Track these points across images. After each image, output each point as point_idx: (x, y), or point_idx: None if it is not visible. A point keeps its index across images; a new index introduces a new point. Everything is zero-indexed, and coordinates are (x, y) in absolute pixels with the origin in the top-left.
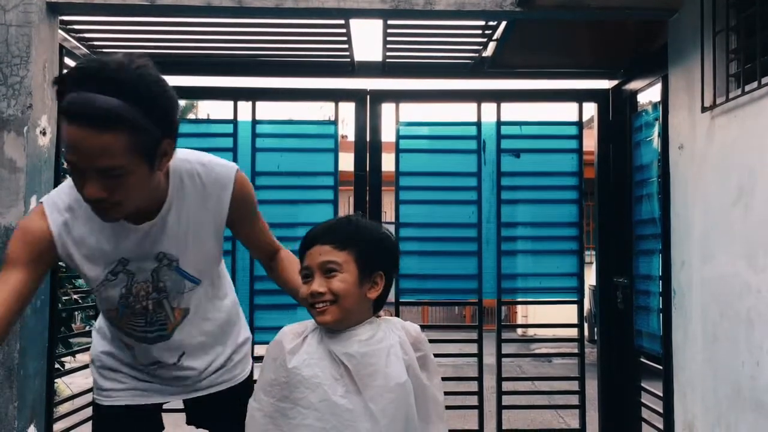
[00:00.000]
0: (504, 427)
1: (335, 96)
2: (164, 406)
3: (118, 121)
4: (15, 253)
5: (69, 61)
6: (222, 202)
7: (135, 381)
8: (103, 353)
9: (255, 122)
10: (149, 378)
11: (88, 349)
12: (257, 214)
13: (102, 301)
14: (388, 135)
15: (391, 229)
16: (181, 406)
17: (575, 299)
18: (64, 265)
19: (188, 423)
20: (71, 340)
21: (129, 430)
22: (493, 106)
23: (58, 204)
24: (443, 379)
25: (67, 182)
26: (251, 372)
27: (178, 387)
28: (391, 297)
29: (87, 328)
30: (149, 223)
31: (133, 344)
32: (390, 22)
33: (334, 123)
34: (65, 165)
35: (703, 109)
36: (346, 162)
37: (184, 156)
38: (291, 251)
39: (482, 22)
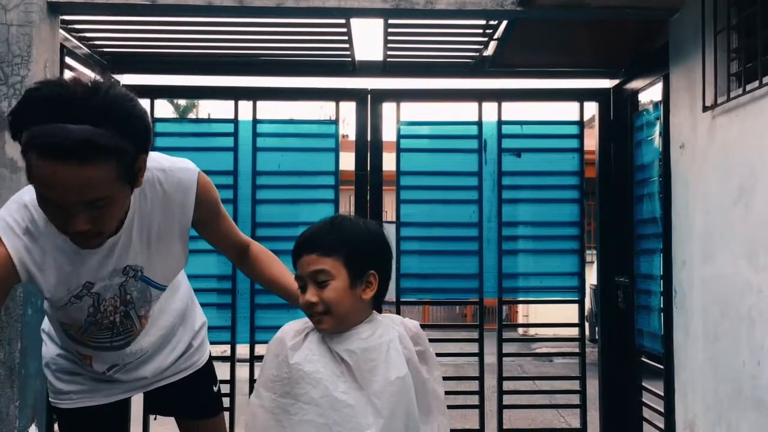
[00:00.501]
0: (505, 427)
1: (336, 95)
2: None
3: (99, 151)
4: None
5: (70, 61)
6: (185, 207)
7: (95, 382)
8: (59, 356)
9: (256, 122)
10: (106, 378)
11: None
12: (222, 214)
13: (62, 317)
14: (388, 134)
15: (392, 228)
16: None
17: (576, 298)
18: None
19: (148, 413)
20: None
21: (94, 429)
22: (494, 105)
23: (14, 227)
24: (444, 378)
25: (16, 202)
26: (209, 356)
27: (139, 382)
28: (392, 296)
29: None
30: (111, 240)
31: (92, 353)
32: (391, 21)
33: (335, 122)
34: (39, 200)
35: (704, 109)
36: (347, 161)
37: None
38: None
39: (483, 22)
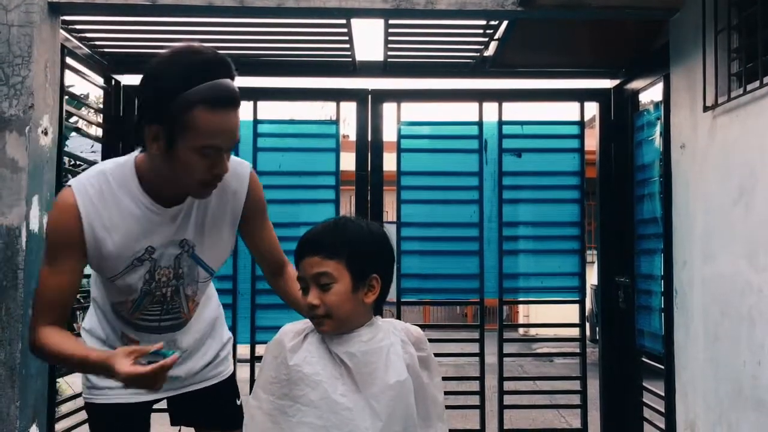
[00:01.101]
0: (506, 427)
1: (337, 96)
2: (153, 406)
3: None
4: (50, 243)
5: (71, 61)
6: (238, 195)
7: None
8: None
9: (256, 122)
10: None
11: None
12: (266, 217)
13: (117, 293)
14: (389, 134)
15: (393, 228)
16: (165, 406)
17: (577, 299)
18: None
19: (173, 424)
20: None
21: (122, 427)
22: (494, 105)
23: (89, 190)
24: (445, 378)
25: (94, 169)
26: (234, 371)
27: (170, 384)
28: (393, 297)
29: None
30: (177, 207)
31: (140, 337)
32: (391, 21)
33: (336, 122)
34: (196, 155)
35: (705, 109)
36: (348, 161)
37: None
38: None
39: (483, 22)
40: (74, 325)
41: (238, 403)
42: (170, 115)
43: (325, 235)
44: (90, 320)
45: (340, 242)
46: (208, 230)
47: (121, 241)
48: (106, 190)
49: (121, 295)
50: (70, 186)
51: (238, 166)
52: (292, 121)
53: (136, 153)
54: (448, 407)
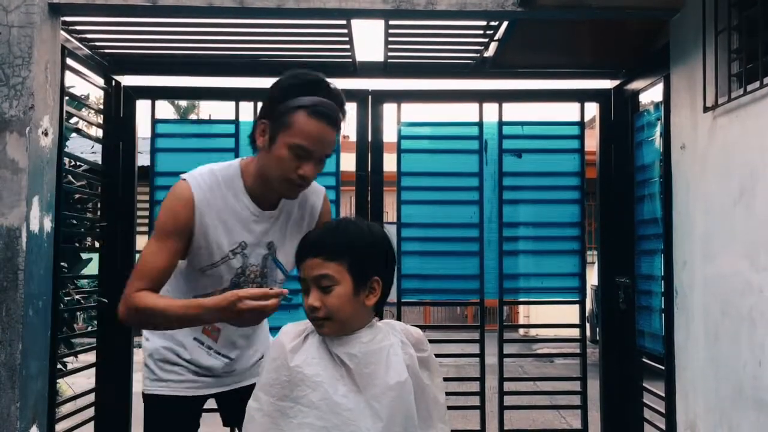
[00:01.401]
0: (506, 428)
1: None
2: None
3: (340, 124)
4: (164, 225)
5: (71, 62)
6: (314, 209)
7: (191, 374)
8: (165, 348)
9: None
10: (204, 372)
11: (90, 349)
12: None
13: (204, 284)
14: (389, 135)
15: (393, 229)
16: (213, 406)
17: (577, 299)
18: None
19: (225, 425)
20: (73, 340)
21: (176, 419)
22: (494, 106)
23: (201, 183)
24: (445, 379)
25: (205, 167)
26: None
27: (226, 379)
28: (393, 297)
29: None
30: (271, 212)
31: (222, 324)
32: (392, 22)
33: None
34: (287, 151)
35: (705, 109)
36: (348, 162)
37: None
38: None
39: (484, 22)
40: (74, 326)
41: None
42: (278, 113)
43: (326, 236)
44: None
45: (341, 244)
46: (289, 236)
47: (224, 232)
48: (215, 186)
49: (209, 287)
50: (185, 180)
51: (317, 185)
52: None
53: (241, 158)
54: (448, 408)
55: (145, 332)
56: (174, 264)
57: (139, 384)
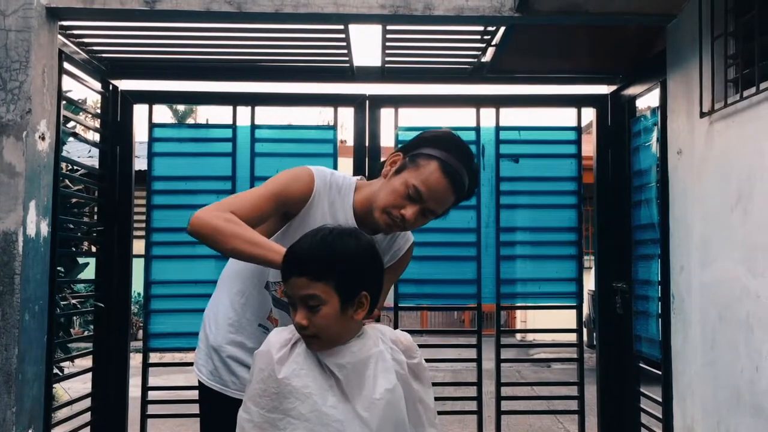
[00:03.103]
0: None
1: (334, 101)
2: None
3: (463, 193)
4: (277, 188)
5: (68, 66)
6: (398, 252)
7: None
8: (230, 344)
9: (254, 127)
10: None
11: (86, 354)
12: (393, 279)
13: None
14: (387, 140)
15: None
16: None
17: (574, 304)
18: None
19: None
20: (70, 344)
21: (227, 417)
22: (491, 111)
23: (322, 176)
24: (442, 384)
25: (326, 168)
26: None
27: None
28: (390, 302)
29: (86, 333)
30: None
31: (279, 315)
32: (389, 27)
33: (333, 128)
34: (403, 187)
35: (702, 115)
36: (345, 167)
37: None
38: None
39: (481, 27)
40: (71, 330)
41: None
42: (415, 154)
43: (312, 254)
44: (235, 313)
45: (327, 264)
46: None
47: (320, 220)
48: (331, 187)
49: (279, 275)
50: (308, 167)
51: (410, 234)
52: (289, 127)
53: (360, 177)
54: (445, 413)
55: (208, 323)
56: (259, 223)
57: (135, 389)
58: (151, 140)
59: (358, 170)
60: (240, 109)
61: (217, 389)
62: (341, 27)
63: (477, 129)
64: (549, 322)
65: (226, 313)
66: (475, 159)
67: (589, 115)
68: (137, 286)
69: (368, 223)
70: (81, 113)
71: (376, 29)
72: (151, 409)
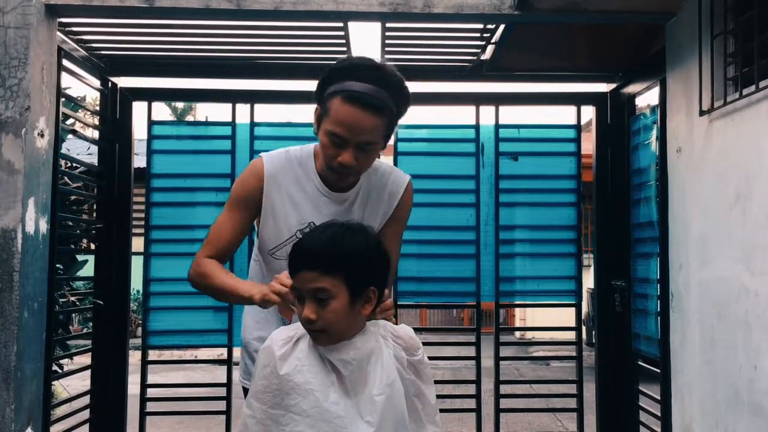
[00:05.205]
0: (502, 430)
1: None
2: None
3: (385, 109)
4: (234, 193)
5: (67, 63)
6: (393, 198)
7: None
8: (259, 340)
9: (253, 124)
10: None
11: (85, 351)
12: (401, 230)
13: (277, 268)
14: None
15: None
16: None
17: (573, 302)
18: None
19: None
20: (68, 342)
21: None
22: (491, 109)
23: (274, 158)
24: (441, 382)
25: (281, 150)
26: None
27: None
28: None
29: (84, 331)
30: (343, 194)
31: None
32: (388, 24)
33: None
34: (326, 138)
35: (701, 113)
36: None
37: None
38: None
39: (480, 25)
40: (70, 327)
41: None
42: (323, 100)
43: (322, 248)
44: (254, 310)
45: (339, 259)
46: (366, 219)
47: (292, 209)
48: (287, 165)
49: (281, 271)
50: (260, 156)
51: (401, 174)
52: (289, 124)
53: (317, 143)
54: (444, 410)
55: (243, 325)
56: (241, 231)
57: (134, 386)
58: (150, 137)
59: None
60: (239, 106)
61: (247, 387)
62: (340, 24)
63: (476, 127)
64: (548, 320)
65: (255, 312)
66: (370, 60)
67: (588, 113)
68: (136, 283)
69: (335, 182)
70: (80, 110)
71: (376, 27)
72: (150, 407)
